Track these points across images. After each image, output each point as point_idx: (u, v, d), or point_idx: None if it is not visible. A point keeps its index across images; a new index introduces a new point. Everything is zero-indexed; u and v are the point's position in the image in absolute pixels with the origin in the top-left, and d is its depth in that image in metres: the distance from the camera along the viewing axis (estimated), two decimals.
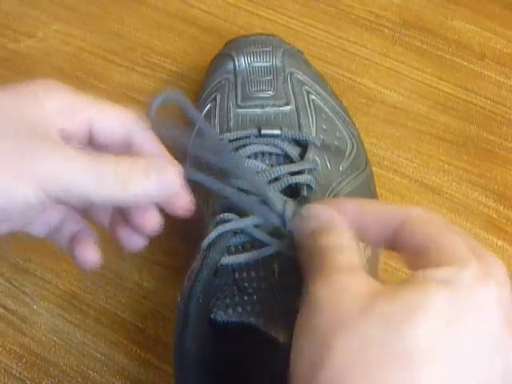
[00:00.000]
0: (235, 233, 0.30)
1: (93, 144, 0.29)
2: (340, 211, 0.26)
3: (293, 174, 0.33)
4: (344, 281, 0.23)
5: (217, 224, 0.30)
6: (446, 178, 0.43)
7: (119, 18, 0.50)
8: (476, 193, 0.43)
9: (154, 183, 0.26)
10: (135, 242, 0.30)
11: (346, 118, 0.41)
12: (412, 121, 0.45)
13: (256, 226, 0.30)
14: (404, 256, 0.25)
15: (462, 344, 0.21)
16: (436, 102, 0.46)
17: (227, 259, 0.30)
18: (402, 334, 0.21)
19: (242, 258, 0.30)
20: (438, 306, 0.21)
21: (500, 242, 0.41)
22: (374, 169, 0.42)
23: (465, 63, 0.48)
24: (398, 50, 0.48)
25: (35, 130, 0.26)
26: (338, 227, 0.26)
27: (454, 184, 0.43)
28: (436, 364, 0.20)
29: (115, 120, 0.29)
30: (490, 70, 0.47)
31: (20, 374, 0.38)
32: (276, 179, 0.33)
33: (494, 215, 0.42)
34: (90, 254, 0.30)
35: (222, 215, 0.30)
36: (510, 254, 0.41)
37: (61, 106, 0.27)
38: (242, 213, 0.31)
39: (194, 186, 0.34)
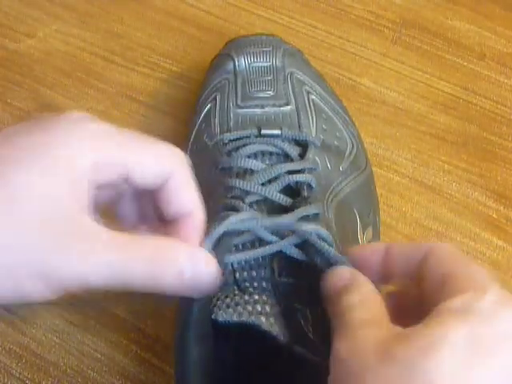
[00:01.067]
0: (238, 233, 0.30)
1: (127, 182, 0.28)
2: (367, 254, 0.27)
3: (292, 172, 0.33)
4: (363, 333, 0.23)
5: (219, 223, 0.30)
6: (445, 178, 0.43)
7: (119, 17, 0.50)
8: (476, 193, 0.43)
9: (187, 283, 0.26)
10: None
11: (346, 118, 0.41)
12: (412, 121, 0.45)
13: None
14: (428, 290, 0.25)
15: (488, 373, 0.21)
16: (436, 101, 0.46)
17: (228, 258, 0.30)
18: (423, 370, 0.20)
19: (243, 256, 0.30)
20: (457, 338, 0.21)
21: (500, 242, 0.41)
22: (374, 169, 0.42)
23: (465, 63, 0.48)
24: (398, 49, 0.48)
25: (64, 214, 0.24)
26: (358, 282, 0.26)
27: (453, 184, 0.43)
28: None
29: (154, 169, 0.27)
30: (489, 70, 0.47)
31: (20, 374, 0.38)
32: (275, 178, 0.33)
33: (494, 215, 0.42)
34: None
35: (223, 213, 0.30)
36: (510, 254, 0.41)
37: (97, 163, 0.25)
38: (245, 213, 0.31)
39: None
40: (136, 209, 0.31)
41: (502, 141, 0.45)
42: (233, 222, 0.29)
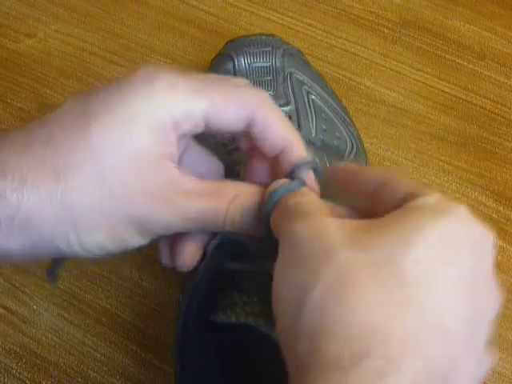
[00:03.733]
0: (240, 242, 0.30)
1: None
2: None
3: None
4: (324, 220, 0.23)
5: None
6: (445, 178, 0.43)
7: (119, 18, 0.50)
8: (476, 193, 0.43)
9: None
10: None
11: (346, 118, 0.41)
12: (412, 121, 0.45)
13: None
14: (383, 202, 0.25)
15: (455, 270, 0.21)
16: (436, 101, 0.46)
17: (229, 265, 0.30)
18: (398, 261, 0.21)
19: (242, 267, 0.30)
20: (432, 233, 0.21)
21: (500, 242, 0.41)
22: None
23: (465, 63, 0.48)
24: (397, 50, 0.48)
25: (152, 166, 0.25)
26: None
27: (453, 184, 0.43)
28: (429, 287, 0.20)
29: (233, 115, 0.27)
30: (489, 70, 0.47)
31: (20, 374, 0.38)
32: None
33: (494, 215, 0.42)
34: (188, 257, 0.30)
35: None
36: (510, 254, 0.41)
37: (178, 116, 0.26)
38: None
39: None
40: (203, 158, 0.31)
41: (502, 141, 0.45)
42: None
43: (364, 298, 0.20)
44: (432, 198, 0.23)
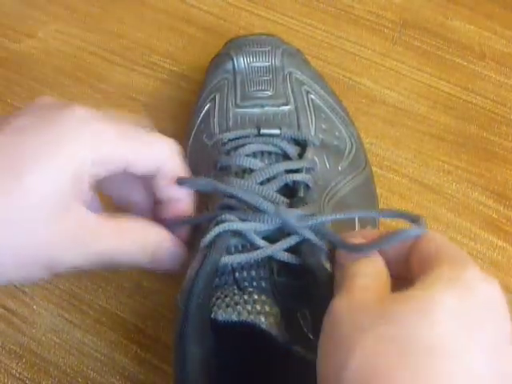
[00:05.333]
0: (235, 233, 0.30)
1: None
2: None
3: (290, 172, 0.33)
4: (362, 295, 0.24)
5: (217, 224, 0.30)
6: (445, 178, 0.43)
7: (119, 18, 0.50)
8: (476, 193, 0.43)
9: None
10: None
11: (346, 118, 0.41)
12: (412, 121, 0.45)
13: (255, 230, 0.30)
14: (416, 267, 0.26)
15: (478, 337, 0.22)
16: (436, 101, 0.46)
17: (227, 259, 0.30)
18: (419, 331, 0.21)
19: (241, 258, 0.30)
20: (450, 302, 0.22)
21: (500, 242, 0.41)
22: (373, 169, 0.42)
23: (465, 63, 0.48)
24: (398, 49, 0.48)
25: (67, 210, 0.27)
26: (372, 256, 0.27)
27: (454, 184, 0.43)
28: (455, 357, 0.21)
29: (148, 162, 0.30)
30: (490, 70, 0.47)
31: (20, 374, 0.38)
32: (274, 177, 0.33)
33: (494, 215, 0.42)
34: None
35: (222, 216, 0.30)
36: (510, 254, 0.41)
37: (97, 160, 0.28)
38: (242, 214, 0.31)
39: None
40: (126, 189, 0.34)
41: (502, 141, 0.45)
42: (226, 228, 0.30)
43: (392, 380, 0.21)
44: (444, 271, 0.24)
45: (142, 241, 0.30)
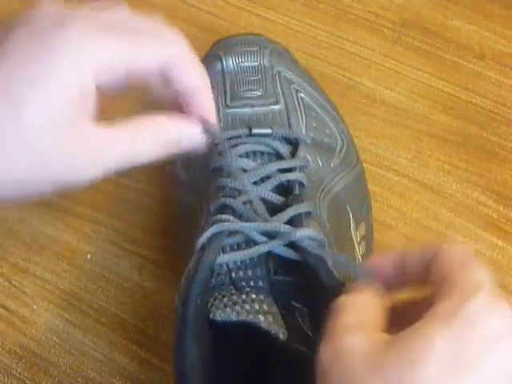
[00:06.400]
0: (230, 233, 0.30)
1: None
2: (384, 262, 0.27)
3: (284, 171, 0.33)
4: (347, 343, 0.22)
5: (212, 224, 0.30)
6: (445, 178, 0.43)
7: None
8: (476, 193, 0.43)
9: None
10: None
11: (335, 115, 0.41)
12: (412, 121, 0.45)
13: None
14: (433, 294, 0.24)
15: (477, 374, 0.20)
16: (436, 101, 0.46)
17: (222, 258, 0.30)
18: (408, 380, 0.20)
19: (237, 256, 0.30)
20: (441, 346, 0.20)
21: (500, 242, 0.41)
22: (373, 169, 0.42)
23: (465, 63, 0.48)
24: (398, 49, 0.48)
25: (68, 121, 0.26)
26: (357, 290, 0.26)
27: (454, 184, 0.43)
28: None
29: (154, 63, 0.29)
30: (489, 70, 0.47)
31: (20, 374, 0.38)
32: (267, 177, 0.33)
33: (494, 215, 0.42)
34: None
35: (217, 216, 0.30)
36: (510, 254, 0.41)
37: (99, 66, 0.27)
38: (236, 213, 0.31)
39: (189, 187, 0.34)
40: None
41: (502, 141, 0.45)
42: (221, 228, 0.30)
43: None
44: (443, 304, 0.22)
45: (161, 135, 0.29)
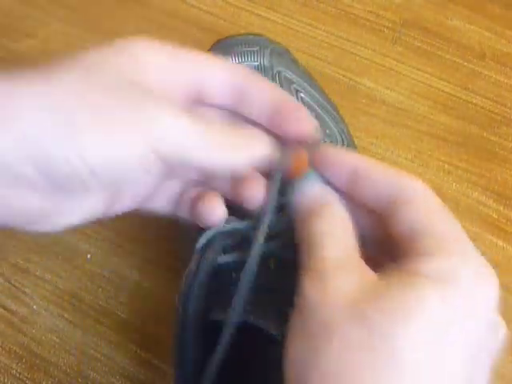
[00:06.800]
0: (231, 233, 0.30)
1: (201, 103, 0.28)
2: (336, 168, 0.25)
3: None
4: (335, 283, 0.22)
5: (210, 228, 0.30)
6: (445, 178, 0.43)
7: (119, 18, 0.50)
8: (476, 193, 0.43)
9: (257, 153, 0.26)
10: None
11: (335, 115, 0.41)
12: (412, 121, 0.45)
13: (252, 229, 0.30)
14: (397, 238, 0.23)
15: (452, 353, 0.20)
16: (436, 101, 0.46)
17: (222, 257, 0.30)
18: (393, 336, 0.20)
19: (237, 256, 0.30)
20: (433, 309, 0.20)
21: (500, 242, 0.41)
22: None
23: (465, 63, 0.48)
24: (398, 49, 0.48)
25: (137, 89, 0.24)
26: (329, 205, 0.25)
27: (454, 184, 0.43)
28: (422, 374, 0.20)
29: (223, 75, 0.27)
30: (490, 70, 0.47)
31: (20, 374, 0.38)
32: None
33: (494, 215, 0.42)
34: (217, 208, 0.28)
35: None
36: (510, 254, 0.41)
37: (162, 64, 0.26)
38: (236, 214, 0.31)
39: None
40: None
41: (502, 141, 0.45)
42: (221, 229, 0.30)
43: None
44: (435, 262, 0.21)
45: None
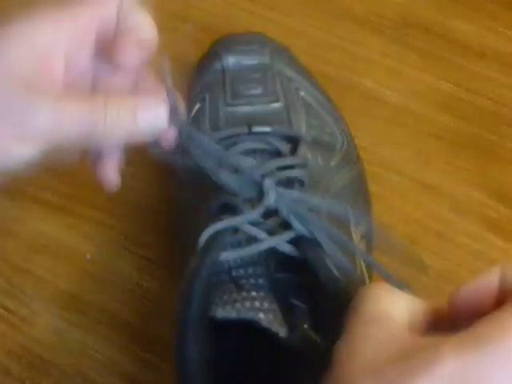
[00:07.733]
0: (231, 231, 0.30)
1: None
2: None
3: (284, 169, 0.33)
4: (362, 347, 0.22)
5: (213, 223, 0.30)
6: (446, 178, 0.43)
7: None
8: (476, 193, 0.43)
9: (143, 126, 0.28)
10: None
11: (335, 114, 0.41)
12: (412, 121, 0.45)
13: (252, 224, 0.30)
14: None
15: None
16: (436, 101, 0.46)
17: (223, 255, 0.30)
18: None
19: (237, 253, 0.30)
20: (444, 368, 0.19)
21: (500, 242, 0.41)
22: (374, 169, 0.42)
23: (465, 63, 0.48)
24: (398, 49, 0.48)
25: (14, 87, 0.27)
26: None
27: (454, 184, 0.43)
28: None
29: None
30: (490, 70, 0.47)
31: (20, 374, 0.38)
32: (267, 175, 0.33)
33: (493, 215, 0.42)
34: (110, 175, 0.32)
35: (218, 217, 0.30)
36: (510, 254, 0.41)
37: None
38: (237, 212, 0.31)
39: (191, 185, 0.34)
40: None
41: (502, 141, 0.44)
42: (220, 227, 0.30)
43: None
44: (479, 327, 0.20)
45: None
